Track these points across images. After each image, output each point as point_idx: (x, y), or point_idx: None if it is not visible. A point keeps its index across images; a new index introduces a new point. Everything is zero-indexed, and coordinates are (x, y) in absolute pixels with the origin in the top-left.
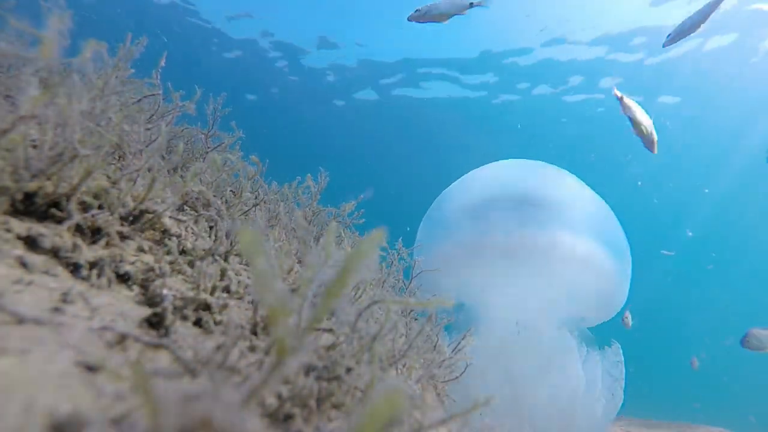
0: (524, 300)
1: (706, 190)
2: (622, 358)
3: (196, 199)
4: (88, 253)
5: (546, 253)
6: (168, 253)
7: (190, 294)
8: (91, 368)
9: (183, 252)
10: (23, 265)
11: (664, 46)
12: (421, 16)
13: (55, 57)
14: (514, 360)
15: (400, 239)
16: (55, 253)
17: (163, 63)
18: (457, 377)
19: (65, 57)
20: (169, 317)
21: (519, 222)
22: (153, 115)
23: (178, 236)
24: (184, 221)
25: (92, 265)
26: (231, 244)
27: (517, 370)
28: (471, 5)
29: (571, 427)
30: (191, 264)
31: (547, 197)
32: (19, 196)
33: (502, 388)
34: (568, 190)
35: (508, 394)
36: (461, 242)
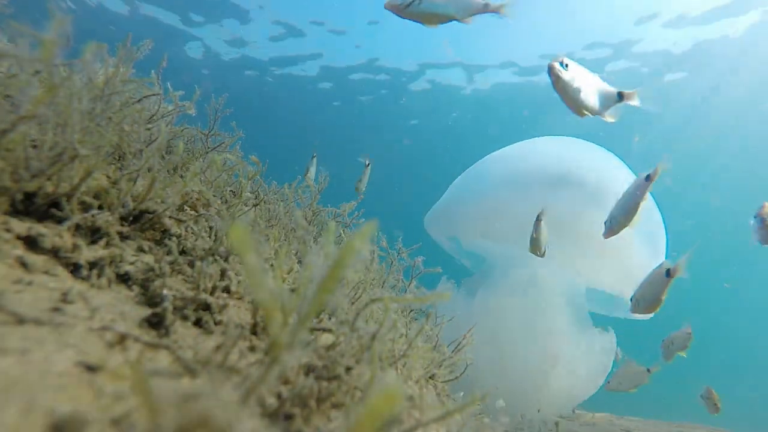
0: (550, 266)
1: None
2: (615, 339)
3: (196, 199)
4: (88, 253)
5: (582, 231)
6: (168, 253)
7: (190, 294)
8: (91, 368)
9: (183, 252)
10: (23, 265)
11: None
12: (402, 9)
13: (55, 58)
14: (524, 314)
15: (399, 239)
16: (55, 253)
17: (164, 64)
18: (457, 377)
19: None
20: (169, 317)
21: (561, 195)
22: (153, 115)
23: (178, 236)
24: (184, 221)
25: (92, 265)
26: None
27: (525, 323)
28: (486, 7)
29: (557, 382)
30: (191, 264)
31: (594, 179)
32: (19, 196)
33: (507, 339)
34: (614, 174)
35: (510, 346)
36: (503, 202)
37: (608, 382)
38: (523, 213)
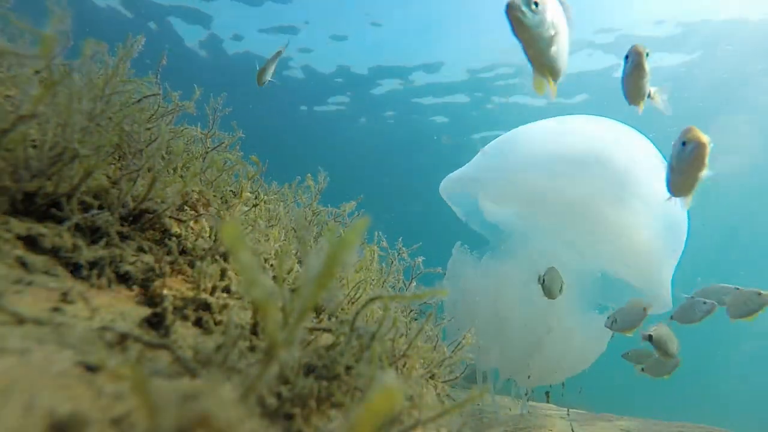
0: (568, 242)
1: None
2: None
3: (196, 199)
4: (88, 253)
5: (605, 216)
6: (168, 253)
7: (190, 294)
8: (91, 368)
9: (183, 252)
10: (23, 265)
11: None
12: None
13: (55, 56)
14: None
15: (399, 239)
16: (55, 253)
17: (164, 62)
18: (457, 377)
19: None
20: (169, 317)
21: (587, 177)
22: (153, 114)
23: (178, 236)
24: (184, 221)
25: (92, 265)
26: None
27: (529, 290)
28: None
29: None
30: (191, 264)
31: (624, 161)
32: (19, 196)
33: (518, 310)
34: (643, 158)
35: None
36: (531, 178)
37: (607, 318)
38: (549, 187)
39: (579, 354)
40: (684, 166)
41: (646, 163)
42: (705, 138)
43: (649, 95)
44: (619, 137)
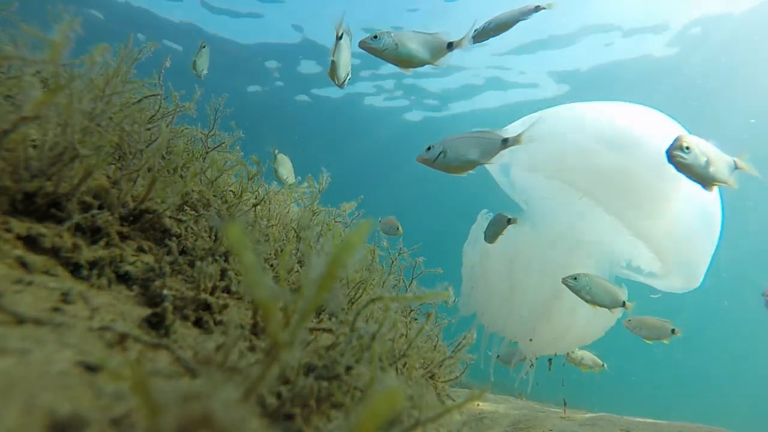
0: (591, 223)
1: None
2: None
3: (197, 199)
4: (88, 253)
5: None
6: (168, 253)
7: (190, 294)
8: (91, 368)
9: (183, 252)
10: (23, 265)
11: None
12: (382, 52)
13: (61, 60)
14: (545, 246)
15: (400, 239)
16: (55, 253)
17: (167, 63)
18: (457, 377)
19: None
20: (169, 317)
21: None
22: (154, 115)
23: (178, 236)
24: (184, 221)
25: (92, 265)
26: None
27: (545, 255)
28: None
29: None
30: (191, 264)
31: (655, 146)
32: (19, 196)
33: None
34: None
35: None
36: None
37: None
38: (583, 159)
39: (585, 326)
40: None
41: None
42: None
43: (735, 166)
44: (660, 122)
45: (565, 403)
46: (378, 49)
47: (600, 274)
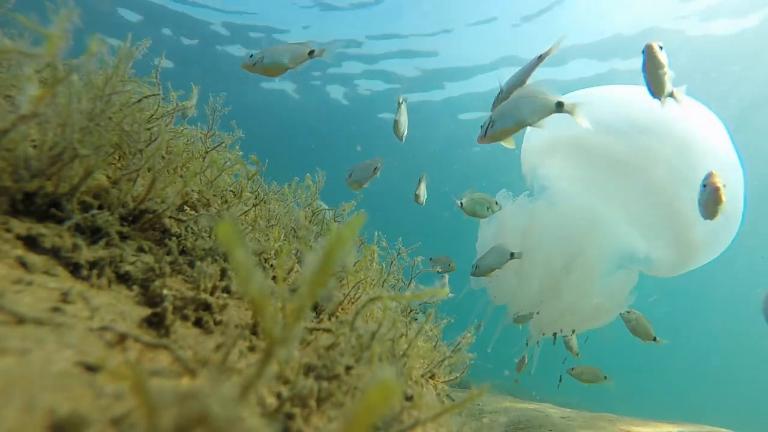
0: (612, 202)
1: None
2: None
3: (197, 199)
4: (88, 253)
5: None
6: (168, 253)
7: (190, 294)
8: (91, 368)
9: (183, 252)
10: (23, 265)
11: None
12: (253, 66)
13: (59, 54)
14: (564, 225)
15: (400, 239)
16: (55, 253)
17: (162, 63)
18: (457, 377)
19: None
20: (169, 317)
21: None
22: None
23: (178, 236)
24: (184, 221)
25: (92, 265)
26: None
27: (564, 233)
28: (311, 54)
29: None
30: (191, 264)
31: (680, 132)
32: (19, 196)
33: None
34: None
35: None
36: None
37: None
38: (608, 143)
39: (593, 307)
40: (704, 201)
41: (709, 142)
42: (719, 182)
43: (671, 95)
44: (690, 111)
45: (560, 380)
46: (250, 65)
47: (614, 255)
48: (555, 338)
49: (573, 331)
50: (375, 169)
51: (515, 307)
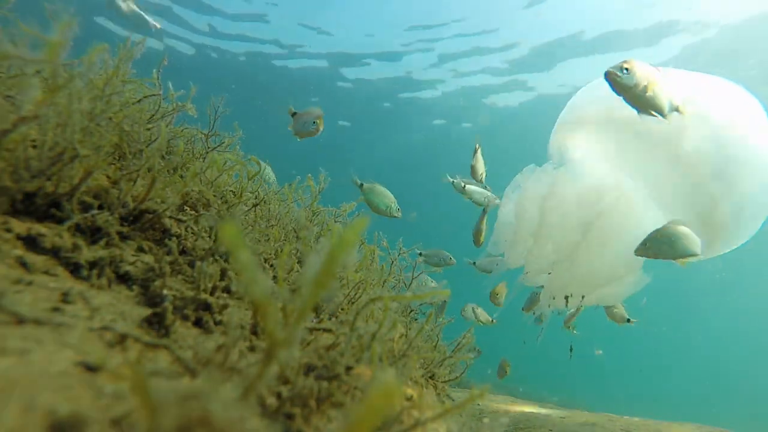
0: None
1: None
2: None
3: (197, 199)
4: (88, 253)
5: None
6: (168, 253)
7: (190, 294)
8: (91, 368)
9: (183, 252)
10: (23, 265)
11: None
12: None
13: (59, 60)
14: (587, 204)
15: (400, 239)
16: (55, 253)
17: (165, 62)
18: (457, 377)
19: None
20: (169, 317)
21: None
22: (154, 114)
23: (178, 236)
24: (184, 221)
25: (92, 265)
26: None
27: (586, 211)
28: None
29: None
30: (191, 264)
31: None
32: (19, 196)
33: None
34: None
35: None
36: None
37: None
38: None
39: (606, 275)
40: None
41: (749, 124)
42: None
43: (676, 108)
44: (728, 92)
45: (571, 350)
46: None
47: (633, 226)
48: (566, 301)
49: (582, 297)
50: (315, 121)
51: (530, 271)
